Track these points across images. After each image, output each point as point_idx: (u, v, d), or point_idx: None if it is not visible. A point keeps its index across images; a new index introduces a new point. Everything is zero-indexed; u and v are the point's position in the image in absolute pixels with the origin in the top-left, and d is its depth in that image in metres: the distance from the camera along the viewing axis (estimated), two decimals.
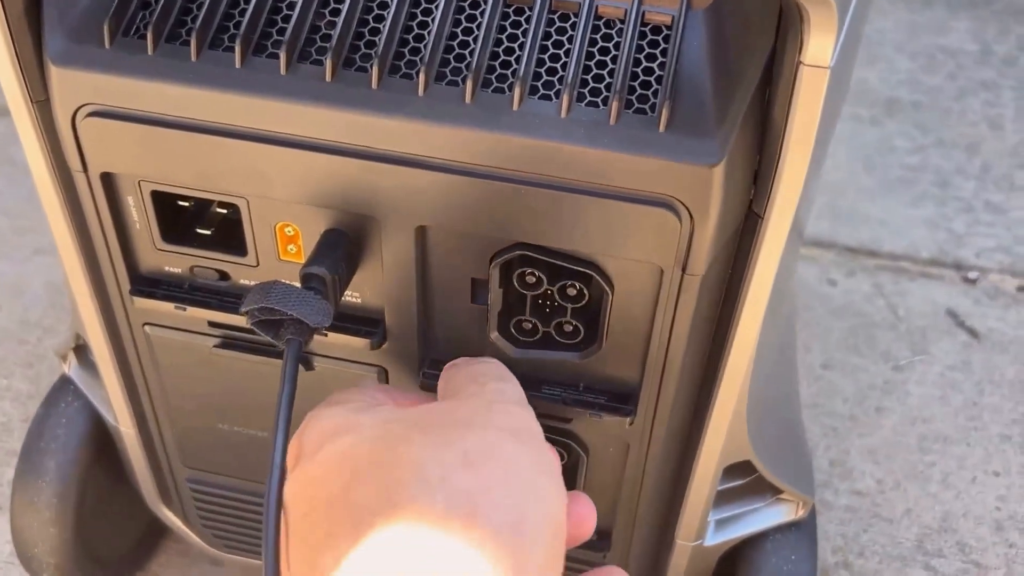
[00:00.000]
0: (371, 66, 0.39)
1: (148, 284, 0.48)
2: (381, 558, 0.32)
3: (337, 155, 0.41)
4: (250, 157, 0.41)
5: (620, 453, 0.50)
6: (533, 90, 0.39)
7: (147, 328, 0.50)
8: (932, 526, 0.78)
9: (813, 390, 0.86)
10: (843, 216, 1.01)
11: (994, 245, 0.99)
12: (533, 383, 0.47)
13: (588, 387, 0.47)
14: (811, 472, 0.65)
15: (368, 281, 0.46)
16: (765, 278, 0.42)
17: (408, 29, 0.41)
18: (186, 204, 0.46)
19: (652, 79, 0.39)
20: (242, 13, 0.41)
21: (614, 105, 0.38)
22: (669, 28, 0.40)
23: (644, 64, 0.39)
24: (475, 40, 0.40)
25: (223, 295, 0.48)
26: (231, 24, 0.41)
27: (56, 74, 0.41)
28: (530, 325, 0.45)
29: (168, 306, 0.48)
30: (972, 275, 0.96)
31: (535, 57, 0.40)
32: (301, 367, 0.49)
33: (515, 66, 0.40)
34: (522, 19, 0.41)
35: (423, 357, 0.48)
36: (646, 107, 0.39)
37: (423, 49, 0.40)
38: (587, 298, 0.44)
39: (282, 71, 0.40)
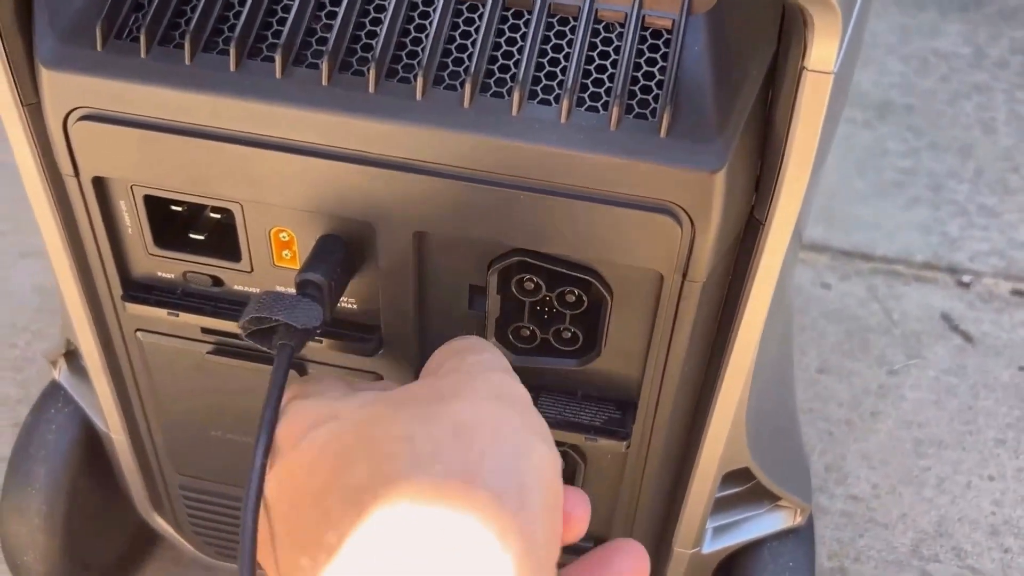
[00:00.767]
0: (368, 70, 0.39)
1: (140, 290, 0.48)
2: (386, 532, 0.31)
3: (333, 160, 0.40)
4: (244, 162, 0.41)
5: (618, 461, 0.50)
6: (532, 95, 0.39)
7: (139, 334, 0.50)
8: (928, 531, 0.78)
9: (808, 394, 0.86)
10: (837, 219, 1.01)
11: (988, 248, 0.99)
12: (530, 391, 0.46)
13: (586, 395, 0.47)
14: (808, 478, 0.65)
15: (364, 287, 0.45)
16: (766, 285, 0.42)
17: (405, 32, 0.40)
18: (179, 209, 0.45)
19: (653, 84, 0.39)
20: (237, 15, 0.41)
21: (614, 110, 0.38)
22: (670, 32, 0.39)
23: (645, 69, 0.39)
24: (474, 44, 0.40)
25: (216, 301, 0.47)
26: (225, 27, 0.41)
27: (47, 77, 0.40)
28: (528, 332, 0.45)
29: (160, 312, 0.47)
30: (966, 279, 0.96)
31: (534, 61, 0.39)
32: (296, 373, 0.49)
33: (514, 70, 0.39)
34: (521, 22, 0.40)
35: (419, 364, 0.47)
36: (647, 112, 0.38)
37: (421, 52, 0.40)
38: (586, 304, 0.43)
39: (277, 74, 0.39)
